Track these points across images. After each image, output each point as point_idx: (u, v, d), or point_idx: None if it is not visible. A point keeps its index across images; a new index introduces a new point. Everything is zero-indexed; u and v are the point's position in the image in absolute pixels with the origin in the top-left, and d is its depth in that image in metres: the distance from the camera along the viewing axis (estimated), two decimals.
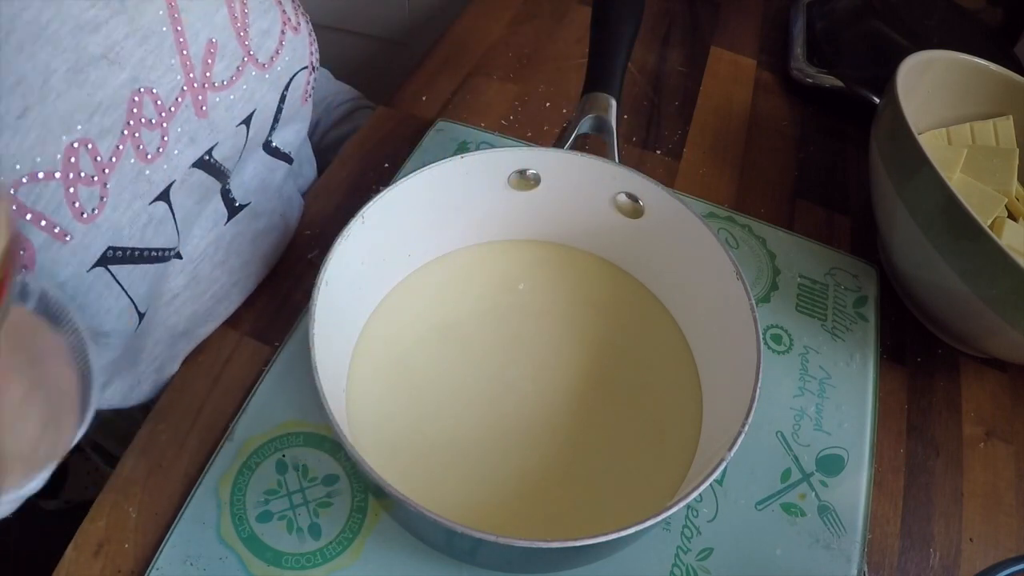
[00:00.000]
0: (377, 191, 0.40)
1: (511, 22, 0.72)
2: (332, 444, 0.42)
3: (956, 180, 0.53)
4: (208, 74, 0.38)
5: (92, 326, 0.37)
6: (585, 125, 0.48)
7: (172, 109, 0.37)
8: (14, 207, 0.31)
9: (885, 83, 0.51)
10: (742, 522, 0.42)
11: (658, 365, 0.45)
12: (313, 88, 0.49)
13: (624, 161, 0.45)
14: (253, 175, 0.47)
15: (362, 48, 1.06)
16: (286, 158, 0.50)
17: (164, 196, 0.38)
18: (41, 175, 0.31)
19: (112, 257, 0.36)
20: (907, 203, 0.46)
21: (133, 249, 0.37)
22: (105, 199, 0.34)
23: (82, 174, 0.33)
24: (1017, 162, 0.54)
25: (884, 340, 0.52)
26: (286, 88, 0.44)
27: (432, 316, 0.46)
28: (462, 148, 0.58)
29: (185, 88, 0.37)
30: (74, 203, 0.33)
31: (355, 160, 0.58)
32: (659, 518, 0.30)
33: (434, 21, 0.99)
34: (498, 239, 0.49)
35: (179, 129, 0.38)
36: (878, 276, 0.55)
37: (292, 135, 0.49)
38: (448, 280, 0.47)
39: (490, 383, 0.43)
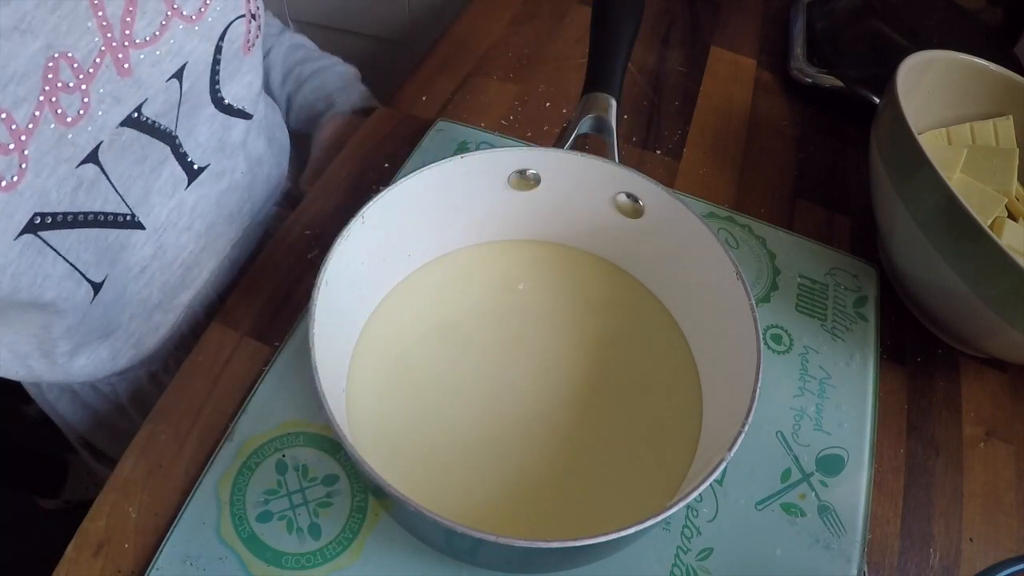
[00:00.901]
0: (377, 191, 0.40)
1: (511, 22, 0.72)
2: (332, 444, 0.42)
3: (956, 180, 0.53)
4: (128, 32, 0.38)
5: (32, 296, 0.37)
6: (585, 125, 0.48)
7: (91, 71, 0.36)
8: None
9: (885, 83, 0.51)
10: (742, 522, 0.42)
11: (658, 365, 0.45)
12: (257, 37, 0.47)
13: (624, 161, 0.45)
14: (209, 135, 0.46)
15: (362, 48, 1.06)
16: (241, 114, 0.48)
17: (92, 158, 0.38)
18: None
19: (42, 224, 0.36)
20: (907, 203, 0.46)
21: (66, 214, 0.37)
22: (25, 166, 0.34)
23: None
24: (1017, 162, 0.54)
25: (884, 340, 0.52)
26: (221, 39, 0.43)
27: (432, 316, 0.46)
28: (462, 148, 0.58)
29: (104, 49, 0.37)
30: None
31: (355, 160, 0.58)
32: (659, 518, 0.30)
33: (434, 21, 0.99)
34: (498, 239, 0.49)
35: (101, 90, 0.37)
36: (878, 276, 0.55)
37: (243, 89, 0.48)
38: (448, 280, 0.47)
39: (490, 383, 0.43)
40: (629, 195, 0.44)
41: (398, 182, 0.41)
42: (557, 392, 0.43)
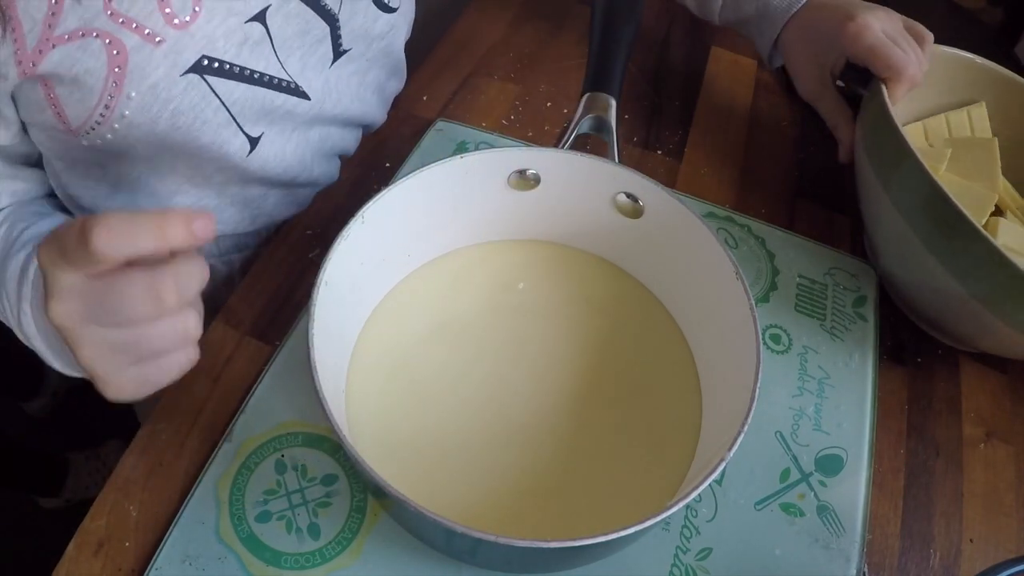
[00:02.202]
0: (377, 191, 0.40)
1: (511, 22, 0.72)
2: (332, 444, 0.42)
3: (942, 180, 0.53)
4: None
5: (189, 137, 0.42)
6: (585, 125, 0.48)
7: None
8: (109, 13, 0.36)
9: None
10: (741, 522, 0.42)
11: (658, 365, 0.45)
12: None
13: (624, 161, 0.45)
14: (362, 23, 0.50)
15: None
16: (387, 8, 0.52)
17: (260, 18, 0.43)
18: None
19: (208, 67, 0.41)
20: (893, 199, 0.46)
21: (232, 64, 0.42)
22: (199, 9, 0.39)
23: None
24: (999, 152, 0.53)
25: (883, 340, 0.52)
26: None
27: (432, 316, 0.46)
28: (462, 148, 0.58)
29: None
30: (166, 10, 0.38)
31: (355, 160, 0.58)
32: (659, 518, 0.30)
33: (434, 21, 0.98)
34: (498, 239, 0.49)
35: None
36: (877, 276, 0.55)
37: None
38: (448, 280, 0.47)
39: (490, 383, 0.43)
40: (629, 195, 0.44)
41: (398, 182, 0.41)
42: (557, 392, 0.43)
